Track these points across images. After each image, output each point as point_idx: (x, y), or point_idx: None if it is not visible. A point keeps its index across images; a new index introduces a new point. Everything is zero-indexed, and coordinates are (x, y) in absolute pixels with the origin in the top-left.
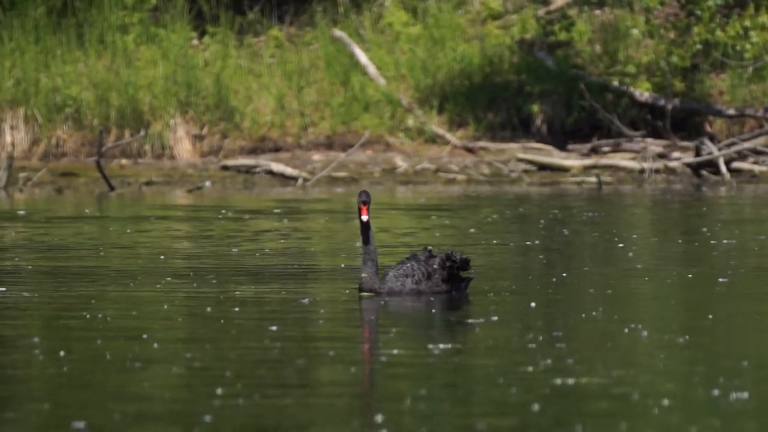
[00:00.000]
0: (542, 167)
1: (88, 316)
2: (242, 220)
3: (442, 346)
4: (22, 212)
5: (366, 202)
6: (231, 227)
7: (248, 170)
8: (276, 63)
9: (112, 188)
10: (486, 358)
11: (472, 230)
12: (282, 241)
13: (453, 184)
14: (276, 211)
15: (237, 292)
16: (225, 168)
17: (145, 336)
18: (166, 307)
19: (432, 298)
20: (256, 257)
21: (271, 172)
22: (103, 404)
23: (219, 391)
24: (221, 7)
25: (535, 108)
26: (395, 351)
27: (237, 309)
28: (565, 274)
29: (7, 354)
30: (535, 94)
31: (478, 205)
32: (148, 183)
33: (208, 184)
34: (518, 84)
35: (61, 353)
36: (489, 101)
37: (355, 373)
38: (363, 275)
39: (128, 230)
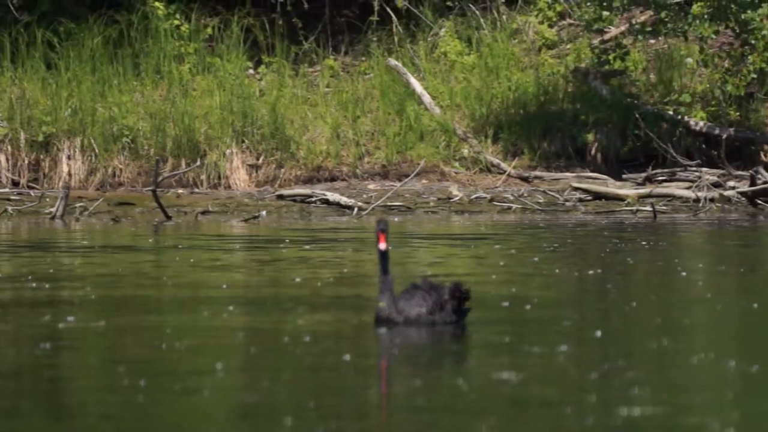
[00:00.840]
0: (597, 196)
1: (164, 346)
2: (303, 249)
3: (506, 375)
4: (85, 242)
5: (384, 231)
6: (291, 255)
7: (304, 200)
8: (331, 92)
9: (168, 218)
10: (554, 387)
11: (535, 259)
12: (344, 270)
13: (508, 213)
14: (337, 239)
15: (300, 321)
16: (281, 197)
17: (219, 366)
18: (239, 335)
19: (442, 328)
20: (317, 286)
21: (326, 202)
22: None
23: (296, 420)
24: (277, 36)
25: (590, 137)
26: (460, 380)
27: (307, 338)
28: (634, 303)
29: (90, 382)
30: (590, 123)
31: (536, 234)
32: (204, 212)
33: (263, 213)
34: (573, 113)
35: (142, 382)
36: (544, 130)
37: (431, 398)
38: (380, 304)
39: (191, 260)
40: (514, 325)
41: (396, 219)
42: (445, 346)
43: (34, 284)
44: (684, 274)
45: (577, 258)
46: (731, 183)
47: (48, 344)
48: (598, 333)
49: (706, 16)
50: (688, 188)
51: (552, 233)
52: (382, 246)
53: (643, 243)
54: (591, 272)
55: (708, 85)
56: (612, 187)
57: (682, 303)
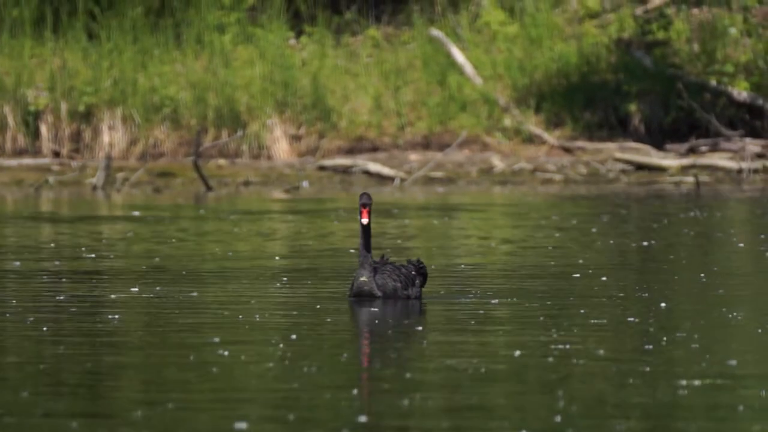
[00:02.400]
0: (639, 167)
1: (241, 317)
2: (353, 220)
3: (568, 347)
4: (136, 213)
5: (366, 205)
6: (341, 227)
7: (345, 170)
8: (373, 62)
9: (209, 188)
10: (635, 359)
11: (594, 230)
12: (399, 241)
13: (550, 184)
14: (395, 210)
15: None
16: (322, 168)
17: (293, 336)
18: (317, 305)
19: (411, 303)
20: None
21: (368, 172)
22: (265, 406)
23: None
24: (318, 6)
25: (633, 107)
26: (518, 352)
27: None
28: (702, 275)
29: (161, 356)
30: (633, 93)
31: (586, 204)
32: (246, 183)
33: (305, 184)
34: (615, 83)
35: (225, 352)
36: (586, 101)
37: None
38: (362, 279)
39: (242, 229)
40: (584, 297)
41: (440, 190)
42: (537, 315)
43: (93, 255)
44: (741, 245)
45: (632, 229)
46: None
47: (116, 315)
48: (663, 304)
49: None
50: (731, 158)
51: (601, 204)
52: (365, 220)
53: (692, 214)
54: (645, 244)
55: (751, 55)
56: (655, 157)
57: (747, 273)
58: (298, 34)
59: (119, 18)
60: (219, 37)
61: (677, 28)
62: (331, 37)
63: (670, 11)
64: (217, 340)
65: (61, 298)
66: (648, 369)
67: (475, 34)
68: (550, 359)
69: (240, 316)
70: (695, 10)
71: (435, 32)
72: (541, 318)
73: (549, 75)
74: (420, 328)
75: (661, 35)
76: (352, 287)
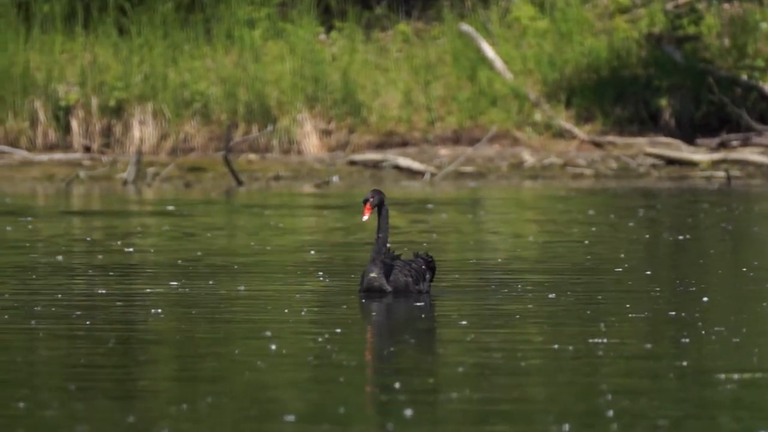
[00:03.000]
0: (670, 162)
1: (286, 310)
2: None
3: (606, 340)
4: (170, 207)
5: (367, 200)
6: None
7: (375, 165)
8: (403, 58)
9: (240, 183)
10: (674, 353)
11: (630, 224)
12: (434, 235)
13: (580, 178)
14: (429, 205)
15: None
16: (352, 163)
17: (338, 330)
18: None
19: (422, 299)
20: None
21: (398, 167)
22: (311, 400)
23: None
24: (349, 2)
25: (663, 102)
26: (556, 345)
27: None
28: (744, 269)
29: (204, 355)
30: (663, 88)
31: (619, 199)
32: (276, 178)
33: (335, 178)
34: (646, 78)
35: (273, 346)
36: (617, 95)
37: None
38: (371, 275)
39: (277, 224)
40: (626, 291)
41: (472, 184)
42: (576, 309)
43: (131, 249)
44: None
45: (668, 223)
46: None
47: (159, 309)
48: (705, 299)
49: None
50: (763, 153)
51: (633, 198)
52: (365, 217)
53: (724, 208)
54: (680, 238)
55: None
56: (685, 152)
57: None
58: (329, 29)
59: (150, 13)
60: (249, 32)
61: (708, 23)
62: (361, 32)
63: (701, 6)
64: (268, 334)
65: (103, 291)
66: (689, 363)
67: (505, 29)
68: (591, 353)
69: (285, 310)
70: (726, 5)
71: (465, 27)
72: (588, 312)
73: (579, 70)
74: (464, 322)
75: (691, 30)
76: (362, 283)
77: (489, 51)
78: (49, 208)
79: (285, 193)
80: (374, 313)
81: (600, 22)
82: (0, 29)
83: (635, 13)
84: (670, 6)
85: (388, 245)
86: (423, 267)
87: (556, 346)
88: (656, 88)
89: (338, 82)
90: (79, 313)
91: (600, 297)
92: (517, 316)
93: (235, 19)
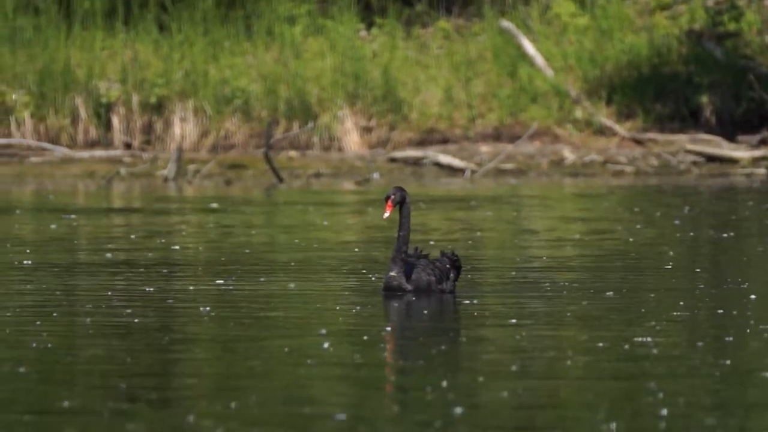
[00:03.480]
0: (711, 159)
1: (338, 307)
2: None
3: (649, 339)
4: (214, 205)
5: (388, 197)
6: (420, 219)
7: (416, 162)
8: (443, 54)
9: (280, 180)
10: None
11: (676, 222)
12: (478, 233)
13: (621, 176)
14: (472, 203)
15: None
16: (393, 160)
17: (388, 328)
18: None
19: (446, 297)
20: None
21: (438, 164)
22: (363, 397)
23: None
24: None
25: (704, 99)
26: (600, 344)
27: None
28: None
29: (250, 356)
30: (704, 85)
31: (664, 196)
32: (317, 175)
33: (376, 175)
34: (687, 75)
35: (326, 345)
36: (657, 92)
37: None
38: (391, 273)
39: (322, 221)
40: (675, 289)
41: (512, 181)
42: (621, 308)
43: (177, 246)
44: None
45: (712, 221)
46: None
47: (208, 307)
48: (753, 296)
49: None
50: None
51: (677, 196)
52: (386, 214)
53: (767, 205)
54: (725, 235)
55: None
56: (726, 149)
57: None
58: (369, 25)
59: (190, 10)
60: (289, 28)
61: (749, 20)
62: (401, 29)
63: (742, 2)
64: (323, 331)
65: (151, 289)
66: (738, 361)
67: (545, 26)
68: (638, 352)
69: (337, 307)
70: (767, 2)
71: (505, 24)
72: (639, 310)
73: (620, 67)
74: (513, 321)
75: (732, 26)
76: (384, 281)
77: (529, 48)
78: (91, 206)
79: (326, 190)
80: (425, 312)
81: (640, 18)
82: (41, 26)
83: (676, 9)
84: (710, 2)
85: (416, 245)
86: (447, 266)
87: (600, 345)
88: (697, 85)
89: (379, 79)
90: (129, 311)
91: (652, 295)
92: (568, 314)
93: (275, 16)
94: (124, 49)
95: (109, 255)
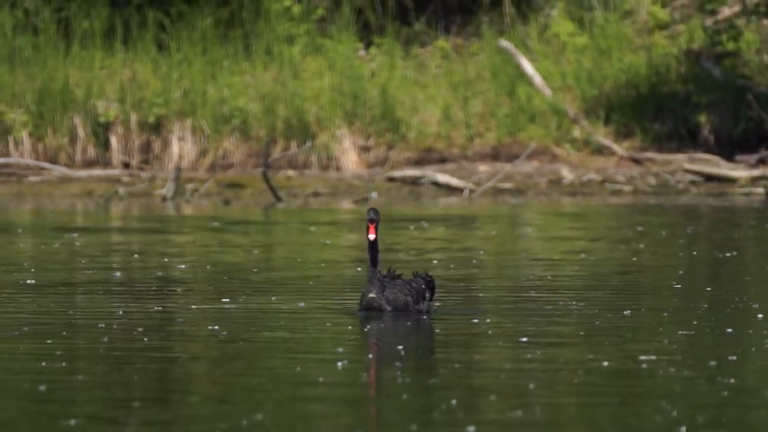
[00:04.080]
0: (709, 178)
1: (350, 327)
2: (413, 230)
3: (652, 357)
4: (216, 223)
5: (374, 220)
6: (421, 235)
7: (414, 181)
8: (442, 74)
9: (278, 199)
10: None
11: (681, 241)
12: (481, 252)
13: (619, 195)
14: (470, 221)
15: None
16: (391, 179)
17: (400, 347)
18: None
19: (423, 318)
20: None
21: (436, 183)
22: (389, 412)
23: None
24: (387, 17)
25: (702, 118)
26: (605, 363)
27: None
28: None
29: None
30: (703, 104)
31: (664, 215)
32: (315, 194)
33: (374, 195)
34: (685, 94)
35: (342, 362)
36: (656, 112)
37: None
38: (371, 295)
39: (325, 240)
40: (680, 309)
41: (511, 201)
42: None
43: (183, 266)
44: None
45: (717, 240)
46: None
47: (216, 326)
48: (760, 316)
49: None
50: None
51: (677, 215)
52: (371, 236)
53: None
54: (728, 255)
55: None
56: (724, 168)
57: None
58: (367, 45)
59: (189, 29)
60: (288, 48)
61: (747, 39)
62: (400, 48)
63: (740, 22)
64: (340, 350)
65: (159, 308)
66: (748, 381)
67: (544, 45)
68: (648, 371)
69: (349, 326)
70: (765, 21)
71: (504, 43)
72: (649, 328)
73: (618, 86)
74: (524, 339)
75: (731, 46)
76: (360, 301)
77: (528, 67)
78: (92, 225)
79: (324, 209)
80: (438, 331)
81: (639, 38)
82: (40, 46)
83: (674, 29)
84: (709, 22)
85: (389, 266)
86: (423, 287)
87: (605, 363)
88: (695, 105)
89: (377, 98)
90: (140, 329)
91: (664, 314)
92: (581, 333)
93: (274, 35)
94: (122, 69)
95: (118, 274)
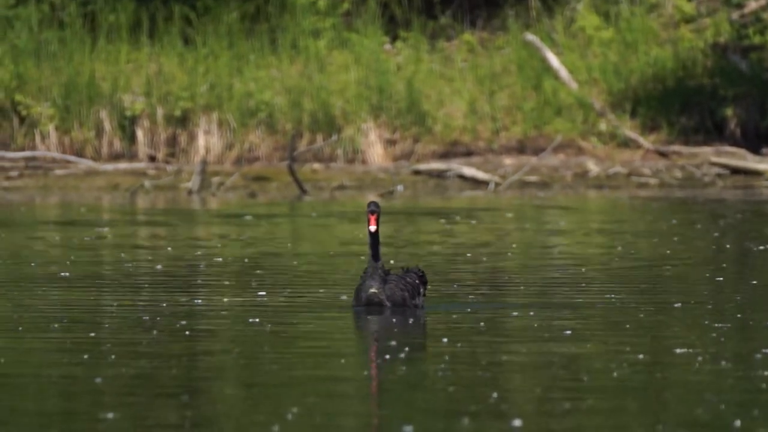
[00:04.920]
0: (735, 171)
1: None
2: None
3: (690, 350)
4: (248, 217)
5: (375, 212)
6: (452, 230)
7: (439, 174)
8: (468, 67)
9: (304, 192)
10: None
11: (716, 234)
12: (514, 245)
13: (645, 188)
14: (496, 215)
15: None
16: (416, 172)
17: (444, 340)
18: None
19: (419, 313)
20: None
21: (462, 177)
22: (429, 410)
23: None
24: (413, 11)
25: (729, 111)
26: (641, 356)
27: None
28: None
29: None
30: (729, 97)
31: (694, 209)
32: (340, 187)
33: (400, 188)
34: (711, 88)
35: (387, 356)
36: (682, 105)
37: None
38: (372, 290)
39: (360, 234)
40: (728, 303)
41: (538, 194)
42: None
43: (219, 258)
44: None
45: (750, 233)
46: None
47: (257, 318)
48: None
49: None
50: None
51: (706, 208)
52: (372, 228)
53: None
54: (762, 247)
55: None
56: (751, 161)
57: None
58: (393, 39)
59: (215, 23)
60: (314, 42)
61: None
62: (426, 42)
63: (767, 15)
64: (393, 343)
65: (200, 301)
66: None
67: (570, 39)
68: (687, 364)
69: (375, 333)
70: None
71: (530, 37)
72: (692, 321)
73: (644, 79)
74: (568, 332)
75: (757, 39)
76: (357, 296)
77: (554, 60)
78: (120, 218)
79: (350, 202)
80: (483, 323)
81: (665, 31)
82: (66, 39)
83: (700, 22)
84: (735, 15)
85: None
86: (417, 281)
87: (640, 356)
88: (721, 98)
89: (403, 92)
90: (184, 322)
91: (708, 307)
92: (627, 326)
93: (300, 29)
94: (148, 63)
95: (159, 267)
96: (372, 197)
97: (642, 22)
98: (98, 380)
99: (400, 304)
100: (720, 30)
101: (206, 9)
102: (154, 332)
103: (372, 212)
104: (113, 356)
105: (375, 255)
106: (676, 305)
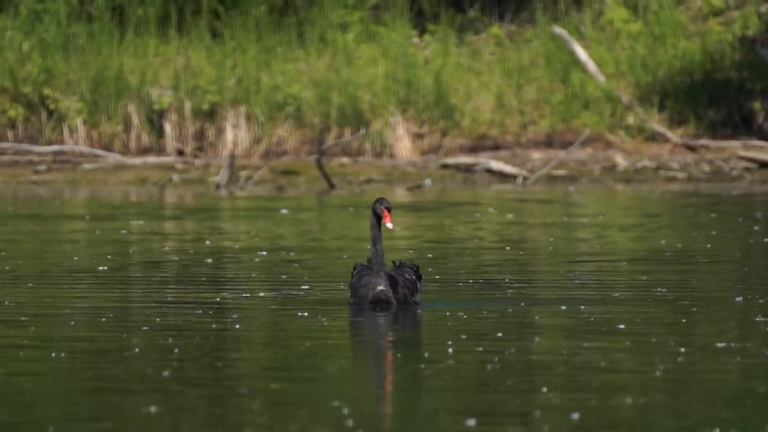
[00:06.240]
0: (763, 165)
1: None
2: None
3: (723, 344)
4: (284, 211)
5: (390, 209)
6: (478, 224)
7: (467, 168)
8: (496, 61)
9: (332, 186)
10: None
11: (756, 228)
12: (551, 239)
13: (673, 182)
14: (522, 208)
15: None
16: (444, 166)
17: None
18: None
19: (419, 310)
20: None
21: (490, 171)
22: (496, 403)
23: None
24: (442, 5)
25: (757, 105)
26: (682, 349)
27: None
28: None
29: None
30: (757, 91)
31: (727, 203)
32: (368, 181)
33: (428, 182)
34: (740, 81)
35: (450, 350)
36: (710, 99)
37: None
38: (379, 288)
39: (397, 228)
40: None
41: (568, 188)
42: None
43: (264, 252)
44: None
45: None
46: None
47: (306, 313)
48: None
49: None
50: None
51: (738, 203)
52: (390, 225)
53: None
54: None
55: None
56: None
57: None
58: (421, 32)
59: (243, 17)
60: (342, 35)
61: None
62: (454, 36)
63: None
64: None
65: (247, 295)
66: None
67: (598, 32)
68: (715, 362)
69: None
70: None
71: (558, 30)
72: (727, 314)
73: (672, 73)
74: (622, 326)
75: None
76: (356, 293)
77: (582, 54)
78: (152, 212)
79: (379, 196)
80: (537, 318)
81: (693, 24)
82: (94, 33)
83: (729, 15)
84: (763, 9)
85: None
86: (414, 278)
87: (682, 349)
88: (750, 91)
89: (431, 86)
90: (235, 316)
91: (738, 299)
92: (683, 320)
93: (328, 23)
94: (176, 56)
95: (209, 260)
96: (400, 191)
97: (670, 15)
98: (165, 374)
99: (401, 302)
100: (748, 23)
101: (234, 2)
102: (213, 325)
103: (388, 209)
104: (206, 345)
105: (379, 254)
106: (737, 299)
